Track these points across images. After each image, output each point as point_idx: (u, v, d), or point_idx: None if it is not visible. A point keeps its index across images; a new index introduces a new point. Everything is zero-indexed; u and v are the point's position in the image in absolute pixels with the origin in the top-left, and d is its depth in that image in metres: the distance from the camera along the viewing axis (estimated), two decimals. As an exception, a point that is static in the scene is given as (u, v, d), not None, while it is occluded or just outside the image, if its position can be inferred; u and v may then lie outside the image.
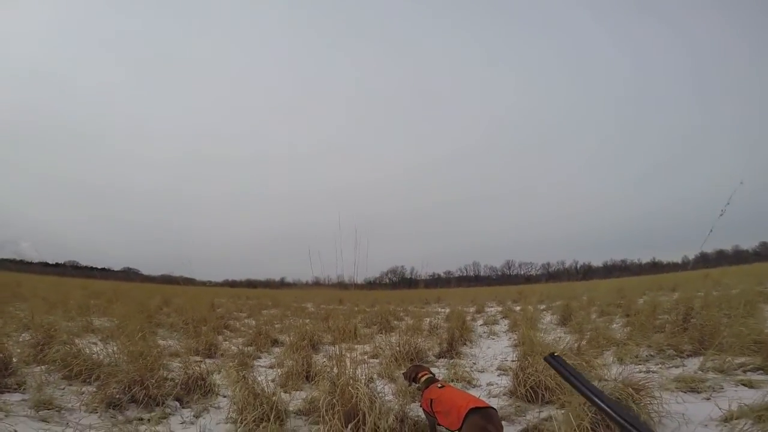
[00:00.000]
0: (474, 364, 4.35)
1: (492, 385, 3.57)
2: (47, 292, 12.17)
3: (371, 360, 4.48)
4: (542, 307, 10.69)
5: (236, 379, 2.74)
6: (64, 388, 3.15)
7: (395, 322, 7.90)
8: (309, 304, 13.98)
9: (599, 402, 0.77)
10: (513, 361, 4.42)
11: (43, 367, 3.53)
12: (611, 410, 0.74)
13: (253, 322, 8.47)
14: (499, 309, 11.28)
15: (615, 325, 6.15)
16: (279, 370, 3.75)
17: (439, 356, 4.71)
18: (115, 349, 3.64)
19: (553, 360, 0.89)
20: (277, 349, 5.27)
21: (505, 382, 3.61)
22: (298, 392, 3.25)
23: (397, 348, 4.36)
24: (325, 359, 4.21)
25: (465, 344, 5.38)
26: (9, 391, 2.93)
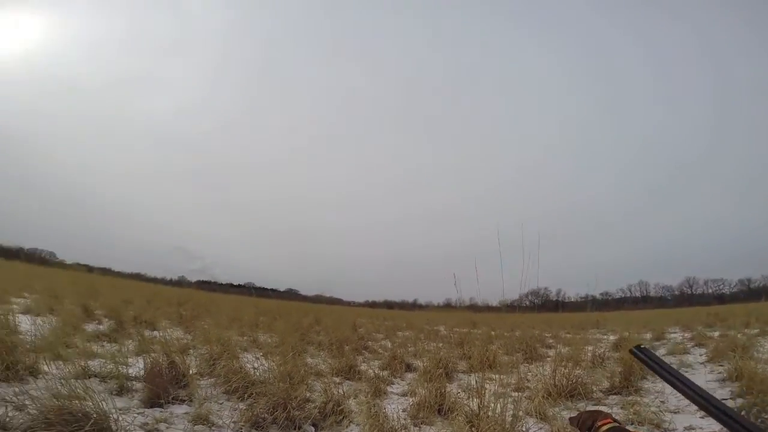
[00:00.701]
0: (662, 402, 3.23)
1: (694, 429, 2.55)
2: (229, 310, 14.79)
3: (514, 393, 3.79)
4: (754, 331, 7.82)
5: (368, 412, 2.55)
6: (222, 403, 3.46)
7: (543, 349, 6.81)
8: (441, 326, 13.49)
9: (695, 394, 0.76)
10: (725, 399, 3.14)
11: (211, 380, 4.00)
12: (708, 402, 0.73)
13: (389, 344, 8.50)
14: (687, 335, 8.71)
15: None
16: (411, 399, 3.46)
17: (609, 392, 3.69)
18: (269, 366, 3.92)
19: (640, 352, 0.89)
20: (410, 375, 5.01)
21: (713, 425, 2.54)
22: (429, 427, 2.88)
23: (552, 381, 3.58)
24: (460, 390, 3.74)
25: (645, 378, 4.15)
26: (178, 403, 3.25)
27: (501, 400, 3.39)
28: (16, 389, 2.50)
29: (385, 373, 5.06)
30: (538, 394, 3.34)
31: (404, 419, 2.93)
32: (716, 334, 8.07)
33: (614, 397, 3.53)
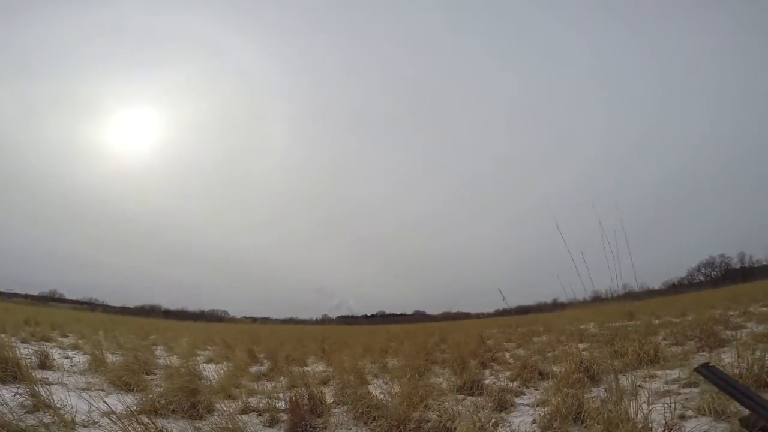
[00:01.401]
0: None
1: None
2: (364, 339, 15.55)
3: (684, 390, 2.92)
4: None
5: (472, 427, 2.26)
6: (350, 429, 3.53)
7: (728, 332, 5.26)
8: (591, 324, 11.76)
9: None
10: None
11: (344, 407, 4.17)
12: None
13: (522, 353, 7.71)
14: None
15: None
16: (543, 410, 2.95)
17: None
18: (390, 389, 3.96)
19: (707, 371, 0.87)
20: (546, 383, 4.37)
21: None
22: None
23: (735, 370, 2.66)
24: (607, 393, 3.06)
25: None
26: (316, 430, 3.50)
27: (662, 399, 2.66)
28: (196, 424, 2.96)
29: (515, 384, 4.53)
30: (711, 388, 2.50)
31: (534, 431, 2.50)
32: None
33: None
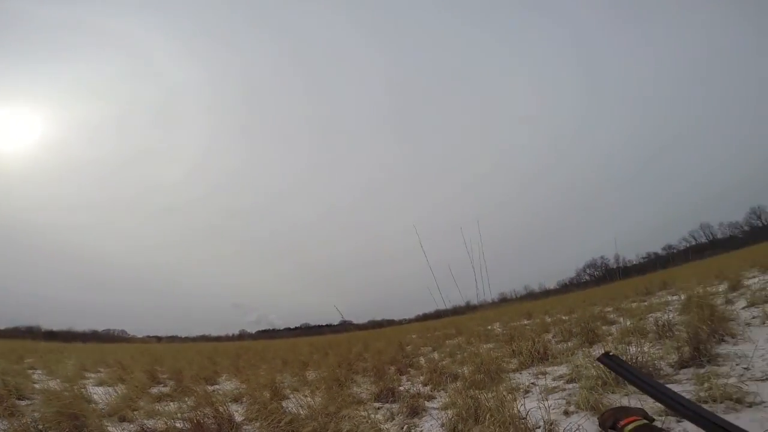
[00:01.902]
0: (746, 369, 2.66)
1: None
2: (284, 353, 14.90)
3: (568, 386, 3.32)
4: None
5: None
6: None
7: (604, 327, 6.14)
8: (497, 324, 12.80)
9: (668, 399, 0.72)
10: None
11: (257, 424, 3.94)
12: (683, 405, 0.69)
13: (436, 356, 8.08)
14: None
15: None
16: (449, 413, 3.10)
17: (680, 366, 3.12)
18: (307, 402, 3.86)
19: (609, 360, 0.84)
20: (454, 385, 4.62)
21: None
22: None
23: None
24: (505, 392, 3.33)
25: (722, 341, 3.52)
26: None
27: (551, 395, 2.98)
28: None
29: (427, 388, 4.71)
30: (591, 381, 2.87)
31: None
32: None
33: (686, 371, 2.97)
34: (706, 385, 2.34)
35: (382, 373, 6.27)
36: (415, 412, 3.55)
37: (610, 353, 0.85)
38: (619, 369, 0.82)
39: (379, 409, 4.03)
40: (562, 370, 3.90)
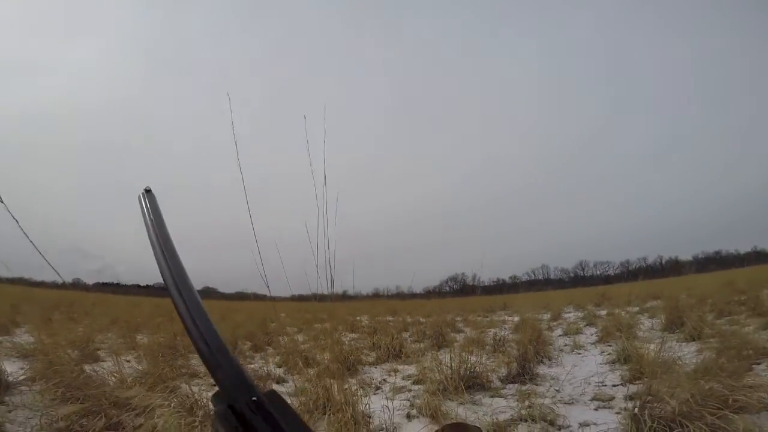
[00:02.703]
0: (558, 391, 3.20)
1: (588, 425, 2.44)
2: (120, 311, 12.83)
3: (415, 387, 3.53)
4: (634, 309, 8.85)
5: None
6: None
7: (452, 334, 6.83)
8: (365, 317, 13.27)
9: None
10: (614, 386, 3.22)
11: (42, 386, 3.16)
12: None
13: (301, 338, 7.94)
14: (580, 315, 9.59)
15: (748, 328, 4.66)
16: (296, 400, 2.96)
17: (507, 380, 3.60)
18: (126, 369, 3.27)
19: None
20: (310, 371, 4.54)
21: (607, 418, 2.49)
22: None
23: (449, 369, 3.36)
24: (358, 386, 3.37)
25: (542, 362, 4.20)
26: None
27: (398, 395, 3.09)
28: None
29: (281, 370, 4.52)
30: (434, 386, 3.08)
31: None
32: (604, 312, 8.96)
33: (512, 386, 3.44)
34: (527, 402, 2.70)
35: (234, 346, 5.84)
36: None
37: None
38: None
39: (214, 386, 3.67)
40: (412, 370, 4.14)
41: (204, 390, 3.46)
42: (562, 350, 4.97)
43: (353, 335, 8.06)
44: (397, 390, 3.38)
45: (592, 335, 6.11)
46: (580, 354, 4.84)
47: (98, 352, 5.18)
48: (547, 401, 2.75)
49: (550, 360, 4.34)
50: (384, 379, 3.87)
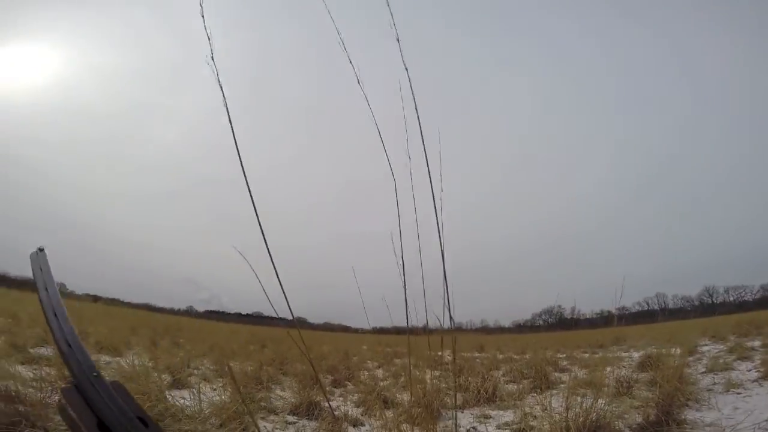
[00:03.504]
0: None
1: None
2: (221, 338, 13.72)
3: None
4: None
5: None
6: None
7: (556, 374, 5.78)
8: (447, 351, 12.32)
9: None
10: None
11: None
12: None
13: (381, 374, 7.52)
14: (722, 348, 7.59)
15: None
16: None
17: (640, 429, 2.72)
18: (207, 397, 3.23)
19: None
20: (389, 413, 4.07)
21: None
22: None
23: (562, 416, 2.64)
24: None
25: (686, 405, 3.18)
26: None
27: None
28: None
29: (359, 410, 4.13)
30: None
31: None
32: (757, 344, 6.99)
33: (652, 437, 2.57)
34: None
35: (315, 380, 5.66)
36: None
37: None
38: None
39: (289, 424, 3.41)
40: (508, 416, 3.43)
41: (277, 429, 3.24)
42: (710, 390, 3.76)
43: (435, 372, 7.37)
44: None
45: (749, 371, 4.64)
46: (740, 394, 3.61)
47: (190, 378, 5.36)
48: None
49: (698, 402, 3.27)
50: (474, 428, 3.24)
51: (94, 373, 0.56)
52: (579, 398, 3.03)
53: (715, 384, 3.99)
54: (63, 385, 0.57)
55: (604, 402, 3.16)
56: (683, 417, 2.76)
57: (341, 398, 5.05)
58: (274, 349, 10.91)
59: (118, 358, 6.80)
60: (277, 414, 3.63)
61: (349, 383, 6.34)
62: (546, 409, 2.92)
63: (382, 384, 5.23)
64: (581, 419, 2.51)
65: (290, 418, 3.55)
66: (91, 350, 6.74)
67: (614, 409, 3.11)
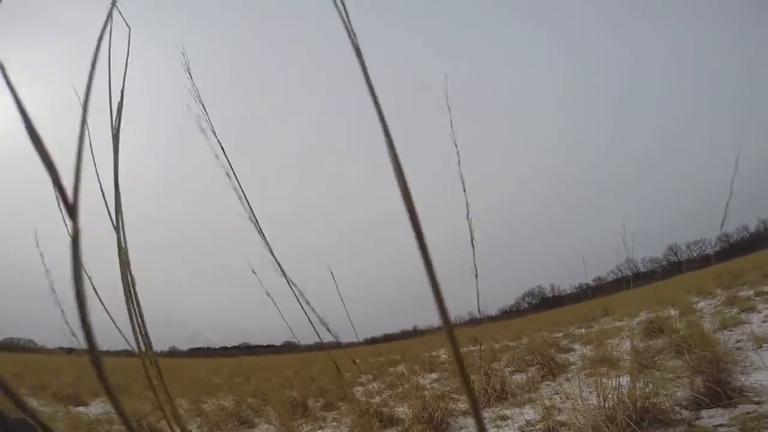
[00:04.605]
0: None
1: None
2: (199, 375, 12.67)
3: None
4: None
5: None
6: None
7: (561, 355, 5.38)
8: (442, 350, 11.87)
9: None
10: None
11: None
12: None
13: (376, 386, 6.91)
14: (716, 302, 7.52)
15: None
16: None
17: (697, 406, 2.28)
18: None
19: None
20: (390, 432, 3.48)
21: None
22: None
23: (601, 405, 2.14)
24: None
25: (726, 369, 2.79)
26: None
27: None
28: None
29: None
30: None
31: None
32: (751, 293, 6.94)
33: (710, 411, 2.13)
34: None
35: (304, 407, 5.03)
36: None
37: None
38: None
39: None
40: (529, 413, 2.92)
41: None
42: (739, 348, 3.42)
43: (432, 375, 6.86)
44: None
45: (765, 323, 4.39)
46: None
47: (159, 423, 4.63)
48: None
49: (735, 364, 2.89)
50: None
51: None
52: (597, 378, 2.57)
53: (738, 341, 3.66)
54: None
55: (626, 380, 2.72)
56: (741, 383, 2.34)
57: (334, 423, 4.43)
58: (259, 378, 10.17)
59: (80, 407, 6.07)
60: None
61: (342, 404, 5.70)
62: (570, 399, 2.44)
63: (378, 399, 4.64)
64: (617, 404, 2.03)
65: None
66: (48, 402, 6.17)
67: (643, 387, 2.68)
